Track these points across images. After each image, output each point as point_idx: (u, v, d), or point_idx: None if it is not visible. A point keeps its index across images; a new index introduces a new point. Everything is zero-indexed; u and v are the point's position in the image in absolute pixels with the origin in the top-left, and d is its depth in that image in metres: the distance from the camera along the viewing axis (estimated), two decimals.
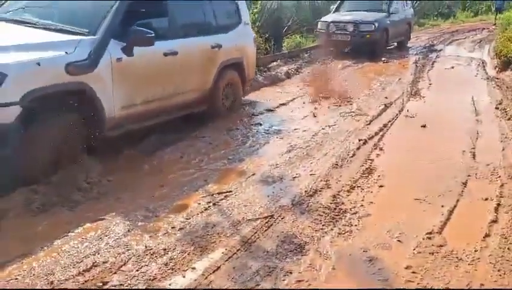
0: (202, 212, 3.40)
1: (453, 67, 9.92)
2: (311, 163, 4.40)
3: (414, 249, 2.95)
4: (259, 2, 11.34)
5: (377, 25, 11.35)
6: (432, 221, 3.30)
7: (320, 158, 4.53)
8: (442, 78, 8.81)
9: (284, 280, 2.62)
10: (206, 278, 2.62)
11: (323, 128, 5.52)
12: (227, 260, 2.79)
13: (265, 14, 11.31)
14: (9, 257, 2.75)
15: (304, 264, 2.77)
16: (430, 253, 2.91)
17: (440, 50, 12.65)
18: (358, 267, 2.78)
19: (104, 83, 4.06)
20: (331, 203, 3.57)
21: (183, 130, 5.15)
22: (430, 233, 3.13)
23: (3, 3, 4.93)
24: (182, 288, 2.54)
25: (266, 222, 3.26)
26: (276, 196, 3.69)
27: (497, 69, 9.54)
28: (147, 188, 3.82)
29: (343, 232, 3.15)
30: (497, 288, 2.61)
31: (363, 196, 3.72)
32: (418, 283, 2.62)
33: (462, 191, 3.83)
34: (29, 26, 4.27)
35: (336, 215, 3.39)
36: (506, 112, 6.17)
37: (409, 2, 14.40)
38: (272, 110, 6.40)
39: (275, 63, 9.74)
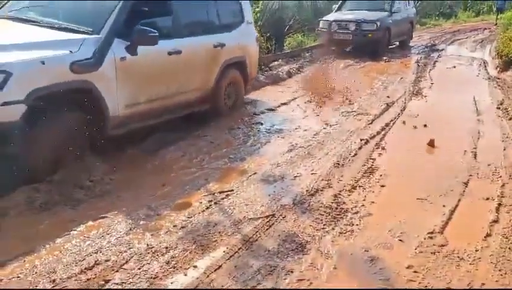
0: (204, 211, 3.40)
1: (454, 67, 9.91)
2: (313, 162, 4.41)
3: (415, 249, 2.96)
4: (261, 1, 11.34)
5: (379, 24, 11.33)
6: (434, 221, 3.30)
7: (322, 157, 4.54)
8: (443, 78, 8.80)
9: (285, 279, 2.63)
10: (208, 276, 2.62)
11: (324, 128, 5.53)
12: (228, 259, 2.80)
13: (266, 13, 11.31)
14: (11, 255, 2.76)
15: (305, 264, 2.78)
16: (431, 253, 2.91)
17: (442, 50, 12.63)
18: (359, 266, 2.79)
19: (108, 82, 4.07)
20: (332, 202, 3.57)
21: (185, 129, 5.16)
22: (432, 233, 3.14)
23: (7, 2, 4.93)
24: (183, 288, 2.55)
25: (267, 221, 3.27)
26: (277, 195, 3.69)
27: (498, 69, 9.53)
28: (149, 186, 3.83)
29: (345, 231, 3.16)
30: (498, 288, 2.61)
31: (365, 196, 3.72)
32: (419, 283, 2.63)
33: (464, 190, 3.83)
34: (34, 25, 4.28)
35: (337, 214, 3.39)
36: (507, 111, 6.18)
37: (411, 1, 14.36)
38: (273, 110, 6.40)
39: (276, 63, 9.74)
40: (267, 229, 3.16)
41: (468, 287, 2.60)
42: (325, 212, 3.42)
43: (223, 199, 3.61)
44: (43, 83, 3.55)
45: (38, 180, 3.57)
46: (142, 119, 4.54)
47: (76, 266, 2.68)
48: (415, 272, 2.72)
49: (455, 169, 4.27)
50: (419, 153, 4.74)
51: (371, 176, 4.11)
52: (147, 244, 2.93)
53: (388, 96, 7.16)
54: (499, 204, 3.57)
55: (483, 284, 2.64)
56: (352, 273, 2.73)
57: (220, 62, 5.61)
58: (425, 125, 5.59)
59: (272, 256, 2.85)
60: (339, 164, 4.36)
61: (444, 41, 14.47)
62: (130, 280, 2.58)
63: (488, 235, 3.13)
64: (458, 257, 2.87)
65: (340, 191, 3.77)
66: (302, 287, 2.58)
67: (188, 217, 3.29)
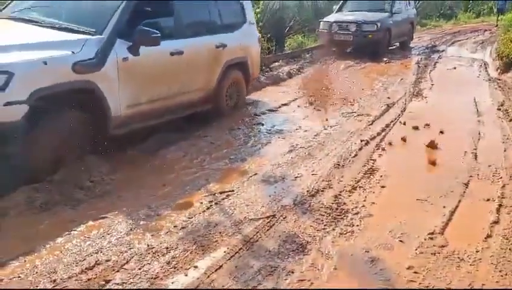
0: (204, 211, 3.41)
1: (455, 68, 9.91)
2: (313, 163, 4.41)
3: (416, 250, 2.96)
4: (262, 2, 11.34)
5: (379, 25, 11.33)
6: (434, 221, 3.31)
7: (322, 158, 4.54)
8: (444, 79, 8.80)
9: (285, 280, 2.63)
10: (209, 276, 2.63)
11: (325, 129, 5.53)
12: (229, 259, 2.80)
13: (267, 14, 11.32)
14: (12, 255, 2.76)
15: (306, 264, 2.78)
16: (431, 253, 2.92)
17: (442, 51, 12.64)
18: (360, 267, 2.79)
19: (111, 82, 4.08)
20: (332, 203, 3.57)
21: (186, 129, 5.16)
22: (432, 233, 3.14)
23: (10, 3, 4.94)
24: (184, 288, 2.55)
25: (268, 222, 3.27)
26: (278, 196, 3.69)
27: (499, 70, 9.53)
28: (149, 187, 3.83)
29: (345, 232, 3.16)
30: (498, 288, 2.61)
31: (365, 196, 3.72)
32: (419, 283, 2.63)
33: (464, 191, 3.83)
34: (36, 25, 4.29)
35: (338, 215, 3.40)
36: (508, 113, 6.17)
37: (411, 2, 14.35)
38: (273, 110, 6.41)
39: (277, 63, 9.75)
40: (267, 230, 3.16)
41: (468, 288, 2.61)
42: (325, 212, 3.42)
43: (223, 199, 3.61)
44: (46, 83, 3.56)
45: (39, 180, 3.58)
46: (144, 120, 4.55)
47: (76, 266, 2.69)
48: (415, 272, 2.72)
49: (455, 170, 4.27)
50: (420, 154, 4.74)
51: (371, 176, 4.11)
52: (148, 245, 2.93)
53: (388, 97, 7.16)
54: (500, 205, 3.57)
55: (483, 285, 2.64)
56: (352, 274, 2.73)
57: (222, 63, 5.62)
58: (425, 126, 5.59)
59: (273, 256, 2.85)
60: (339, 164, 4.36)
61: (444, 43, 14.47)
62: (131, 280, 2.58)
63: (489, 236, 3.13)
64: (458, 257, 2.87)
65: (340, 192, 3.77)
66: (303, 288, 2.58)
67: (189, 218, 3.29)
